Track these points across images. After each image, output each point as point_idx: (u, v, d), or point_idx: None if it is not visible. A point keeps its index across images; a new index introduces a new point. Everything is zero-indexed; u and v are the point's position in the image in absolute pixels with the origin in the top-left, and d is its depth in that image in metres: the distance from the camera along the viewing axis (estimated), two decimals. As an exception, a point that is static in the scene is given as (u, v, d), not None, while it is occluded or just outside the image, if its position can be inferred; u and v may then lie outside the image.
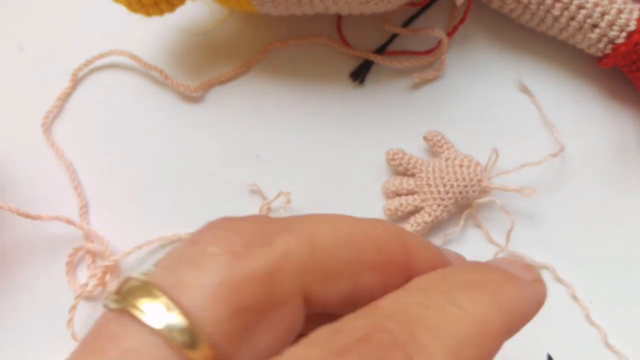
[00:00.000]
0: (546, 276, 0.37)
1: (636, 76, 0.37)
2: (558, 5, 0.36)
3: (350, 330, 0.15)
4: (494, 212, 0.37)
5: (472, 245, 0.37)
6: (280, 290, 0.16)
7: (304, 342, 0.15)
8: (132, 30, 0.40)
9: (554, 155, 0.37)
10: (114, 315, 0.16)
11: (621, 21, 0.36)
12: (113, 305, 0.16)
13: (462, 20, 0.39)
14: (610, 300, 0.36)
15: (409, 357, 0.14)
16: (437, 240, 0.37)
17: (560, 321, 0.36)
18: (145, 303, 0.15)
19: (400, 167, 0.37)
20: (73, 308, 0.35)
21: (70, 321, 0.35)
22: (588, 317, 0.36)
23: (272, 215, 0.38)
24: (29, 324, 0.36)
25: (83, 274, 0.37)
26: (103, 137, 0.39)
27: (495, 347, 0.16)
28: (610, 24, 0.36)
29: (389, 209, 0.37)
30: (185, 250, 0.17)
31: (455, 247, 0.37)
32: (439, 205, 0.36)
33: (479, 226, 0.37)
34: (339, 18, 0.40)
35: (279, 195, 0.37)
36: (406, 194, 0.37)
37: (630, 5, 0.36)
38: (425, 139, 0.38)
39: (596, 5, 0.36)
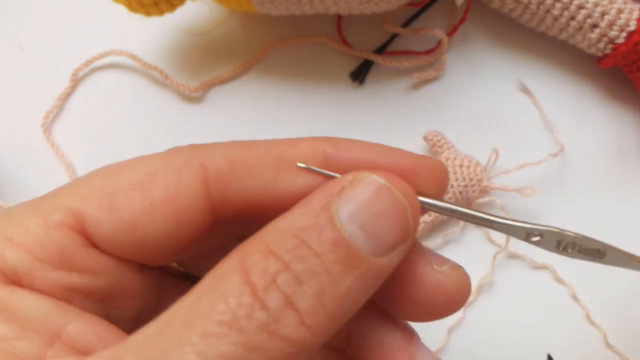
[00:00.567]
0: (546, 276, 0.37)
1: (636, 76, 0.37)
2: (558, 5, 0.36)
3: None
4: (494, 212, 0.37)
5: (472, 245, 0.37)
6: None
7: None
8: (132, 30, 0.40)
9: (554, 155, 0.37)
10: None
11: (621, 21, 0.36)
12: None
13: (462, 20, 0.39)
14: (610, 300, 0.36)
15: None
16: (437, 240, 0.37)
17: (560, 321, 0.36)
18: None
19: (400, 167, 0.37)
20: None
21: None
22: (588, 317, 0.36)
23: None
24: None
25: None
26: (103, 137, 0.39)
27: None
28: (610, 24, 0.36)
29: (389, 209, 0.37)
30: None
31: (455, 247, 0.37)
32: (439, 205, 0.36)
33: (479, 226, 0.37)
34: (339, 18, 0.40)
35: (279, 195, 0.37)
36: (406, 194, 0.37)
37: (630, 5, 0.36)
38: (425, 139, 0.38)
39: (596, 5, 0.36)
